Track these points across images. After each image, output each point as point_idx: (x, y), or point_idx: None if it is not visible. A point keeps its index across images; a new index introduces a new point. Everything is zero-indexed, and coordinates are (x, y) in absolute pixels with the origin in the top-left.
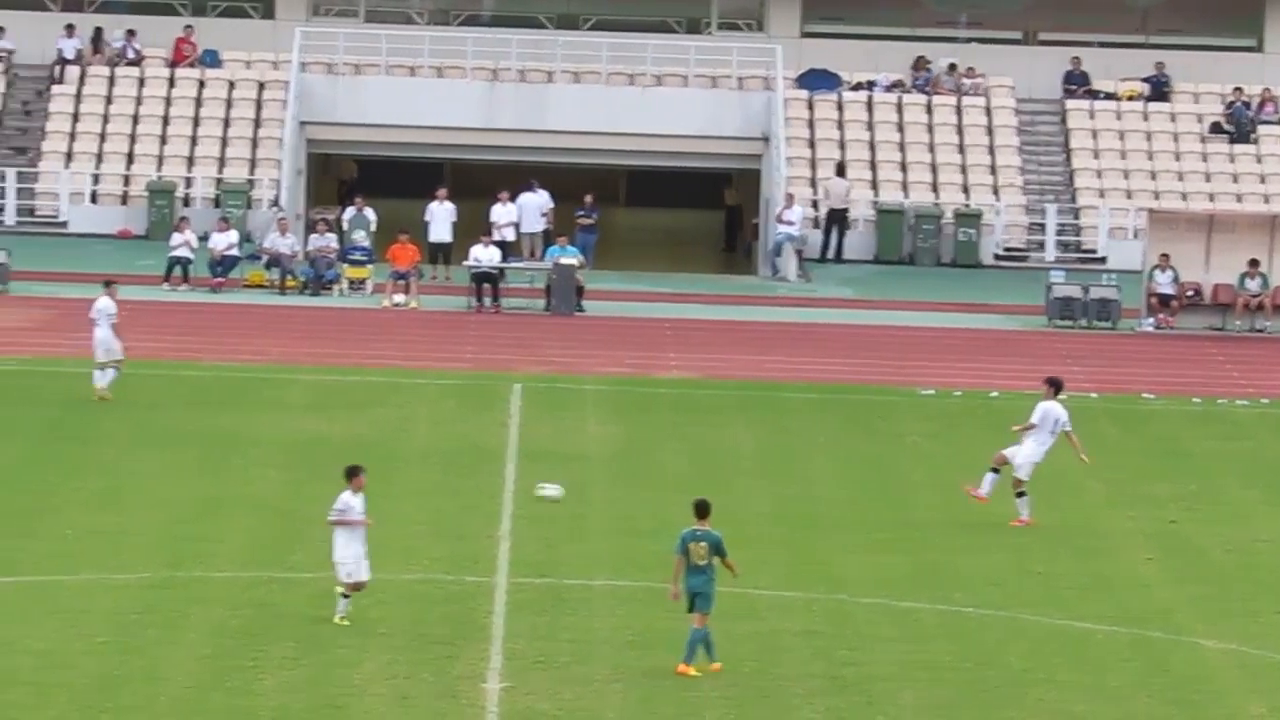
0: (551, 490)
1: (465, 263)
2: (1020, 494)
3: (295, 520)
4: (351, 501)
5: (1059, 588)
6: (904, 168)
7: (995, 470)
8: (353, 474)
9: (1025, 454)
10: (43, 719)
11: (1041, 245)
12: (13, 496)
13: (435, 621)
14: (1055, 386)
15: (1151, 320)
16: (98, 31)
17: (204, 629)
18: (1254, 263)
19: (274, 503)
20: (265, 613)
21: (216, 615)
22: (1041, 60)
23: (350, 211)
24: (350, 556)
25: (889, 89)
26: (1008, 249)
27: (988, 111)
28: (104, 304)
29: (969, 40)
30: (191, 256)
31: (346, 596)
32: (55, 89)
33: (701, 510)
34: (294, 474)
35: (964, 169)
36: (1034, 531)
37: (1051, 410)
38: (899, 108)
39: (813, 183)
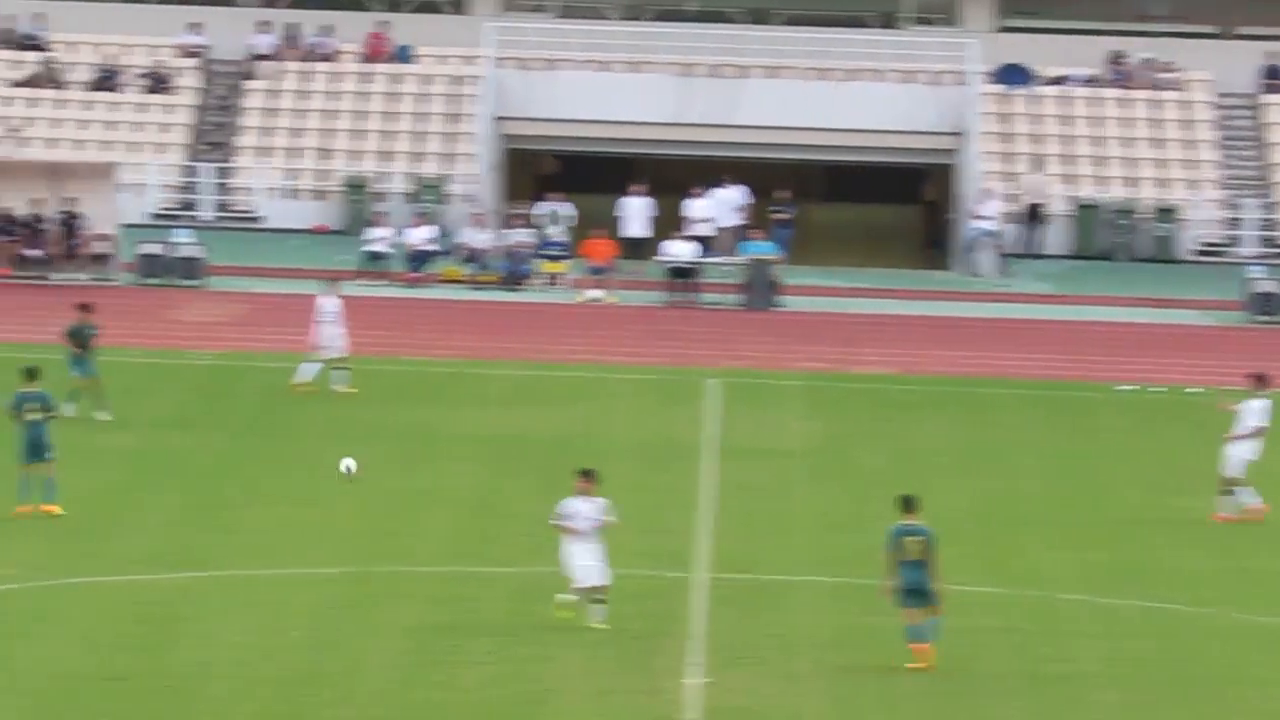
0: (348, 465)
1: (660, 258)
2: (1229, 492)
3: (493, 515)
4: (578, 507)
5: (1264, 584)
6: (1100, 162)
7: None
8: (580, 477)
9: (1241, 451)
10: (243, 712)
11: (1238, 240)
12: (212, 490)
13: (635, 617)
14: (1263, 382)
15: None
16: (293, 28)
17: (403, 624)
18: None
19: (472, 498)
20: (464, 608)
21: (415, 610)
22: (1239, 54)
23: (546, 206)
24: (578, 560)
25: (1085, 83)
26: (1204, 244)
27: (1185, 106)
28: (328, 302)
29: (1166, 34)
30: (388, 251)
31: (599, 602)
32: (250, 85)
33: (910, 505)
34: (491, 469)
35: (1161, 164)
36: (1238, 528)
37: (1267, 406)
38: (1095, 102)
39: (1008, 177)
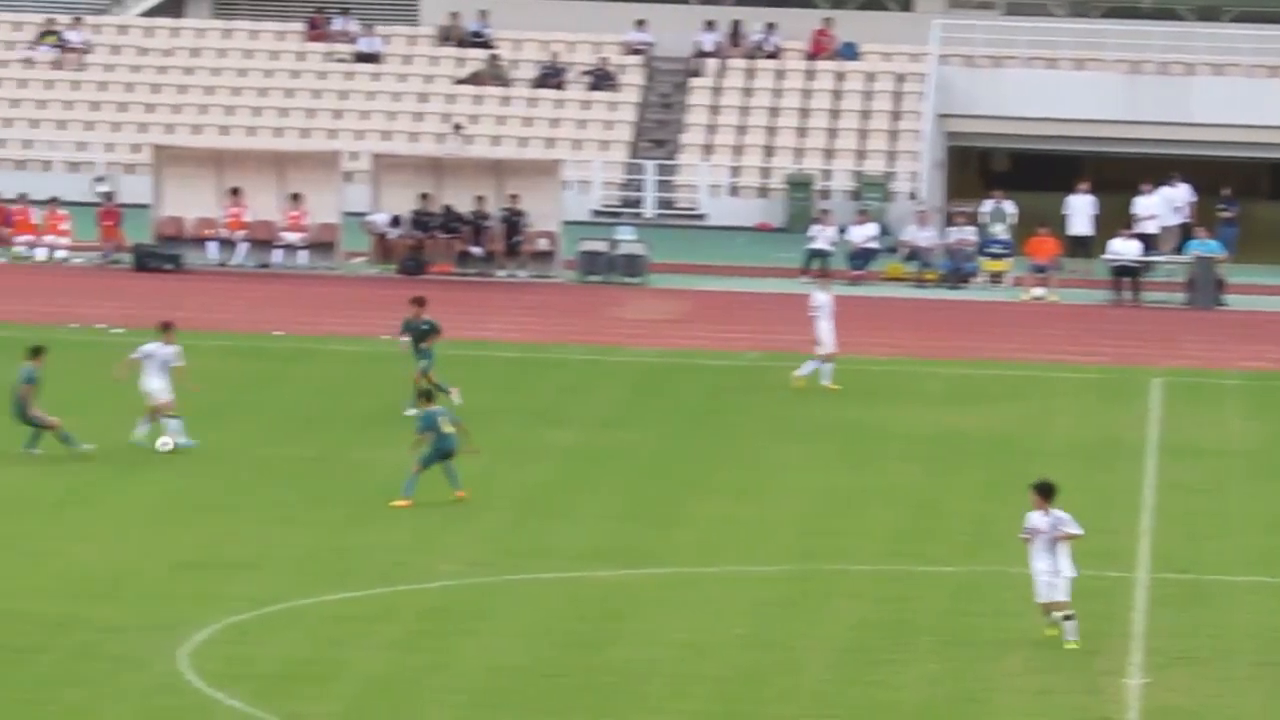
0: (164, 442)
1: (1105, 256)
2: None
3: (934, 513)
4: (1036, 521)
5: None
6: None
7: None
8: (1033, 492)
9: None
10: (681, 710)
11: None
12: (654, 486)
13: (1087, 617)
14: None
15: None
16: (736, 25)
17: (844, 622)
18: None
19: (913, 496)
20: (905, 606)
21: (856, 608)
22: None
23: (990, 204)
24: (1038, 576)
25: None
26: None
27: None
28: (822, 298)
29: None
30: (830, 249)
31: (1069, 618)
32: (694, 82)
33: None
34: (931, 467)
35: None
36: None
37: None
38: None
39: None
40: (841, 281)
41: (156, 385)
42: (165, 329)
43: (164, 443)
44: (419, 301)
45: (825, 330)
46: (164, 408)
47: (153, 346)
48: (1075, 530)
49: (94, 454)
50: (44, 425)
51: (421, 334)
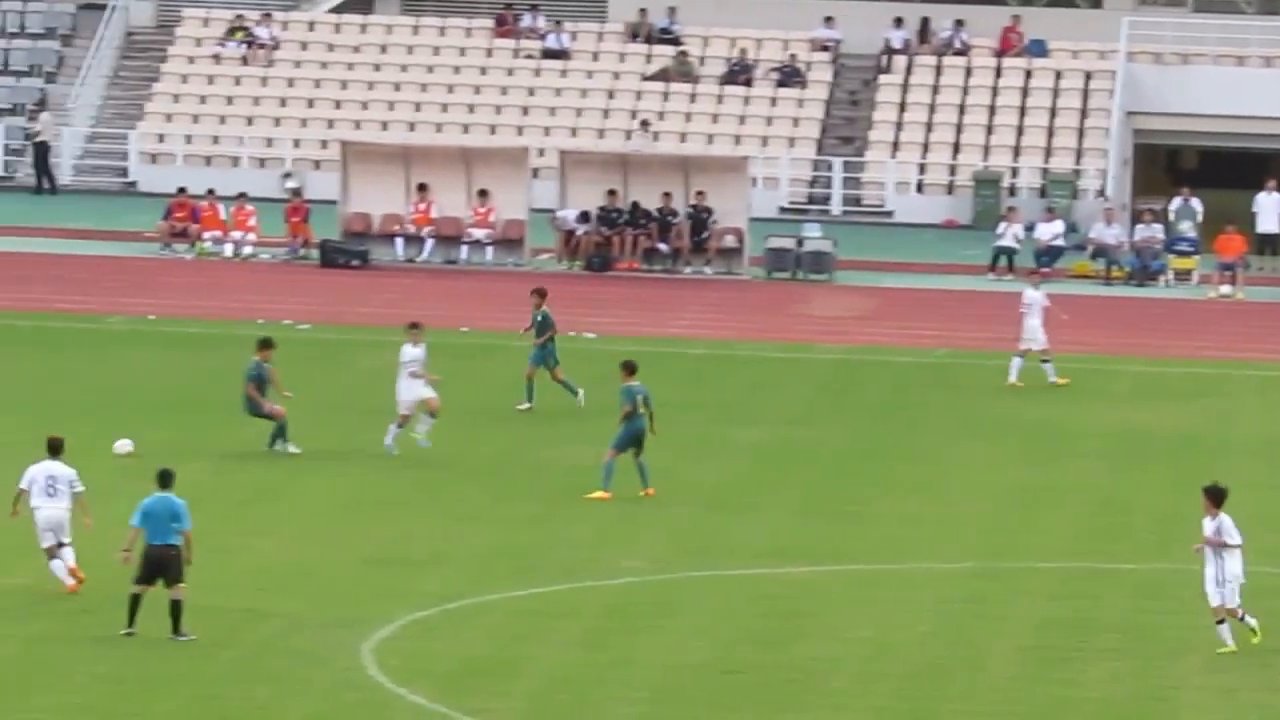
0: (122, 446)
1: None
2: None
3: (1119, 511)
4: (1206, 528)
5: None
6: None
7: None
8: (1205, 494)
9: None
10: (867, 707)
11: None
12: (839, 484)
13: (1260, 615)
14: None
15: None
16: (925, 22)
17: (1027, 620)
18: None
19: (1097, 493)
20: (1088, 604)
21: (1040, 606)
22: None
23: (1177, 202)
24: (1209, 577)
25: None
26: None
27: None
28: (1033, 295)
29: None
30: (1017, 246)
31: (1248, 624)
32: (882, 79)
33: None
34: (1116, 465)
35: None
36: None
37: None
38: None
39: None
40: (1028, 280)
41: (417, 390)
42: (413, 329)
43: (421, 439)
44: (540, 293)
45: (1034, 327)
46: (428, 404)
47: (405, 350)
48: (1233, 540)
49: (299, 455)
50: (271, 416)
51: (539, 327)
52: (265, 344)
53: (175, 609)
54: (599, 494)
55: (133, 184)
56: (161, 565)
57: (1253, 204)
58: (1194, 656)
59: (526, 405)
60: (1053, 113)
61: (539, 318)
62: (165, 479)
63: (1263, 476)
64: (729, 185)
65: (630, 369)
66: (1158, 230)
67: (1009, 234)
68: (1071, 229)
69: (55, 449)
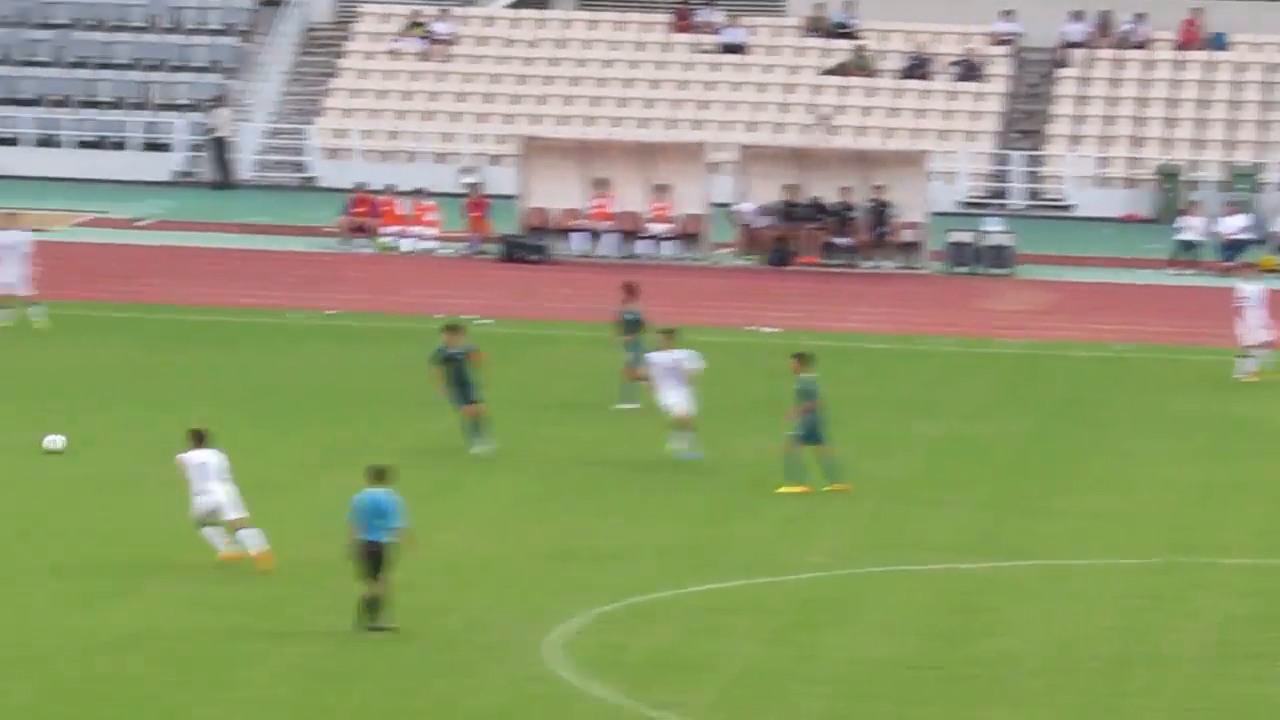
0: (54, 442)
1: None
2: None
3: None
4: None
5: None
6: None
7: None
8: None
9: None
10: (1053, 704)
11: None
12: (1022, 479)
13: None
14: None
15: None
16: (1105, 15)
17: (1212, 616)
18: None
19: None
20: (1275, 601)
21: (1225, 602)
22: None
23: None
24: None
25: None
26: None
27: None
28: (1249, 289)
29: None
30: (1205, 239)
31: None
32: (1061, 72)
33: None
34: None
35: None
36: None
37: None
38: None
39: None
40: (1211, 273)
41: (675, 397)
42: (667, 335)
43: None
44: (630, 289)
45: (1256, 321)
46: (684, 420)
47: (655, 356)
48: None
49: (491, 455)
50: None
51: (629, 325)
52: (451, 329)
53: (372, 603)
54: (794, 488)
55: (311, 179)
56: (371, 560)
57: None
58: None
59: (631, 406)
60: (1235, 106)
61: (629, 315)
62: (375, 475)
63: None
64: (908, 179)
65: (803, 360)
66: None
67: (1191, 228)
68: (1256, 222)
69: (200, 439)
